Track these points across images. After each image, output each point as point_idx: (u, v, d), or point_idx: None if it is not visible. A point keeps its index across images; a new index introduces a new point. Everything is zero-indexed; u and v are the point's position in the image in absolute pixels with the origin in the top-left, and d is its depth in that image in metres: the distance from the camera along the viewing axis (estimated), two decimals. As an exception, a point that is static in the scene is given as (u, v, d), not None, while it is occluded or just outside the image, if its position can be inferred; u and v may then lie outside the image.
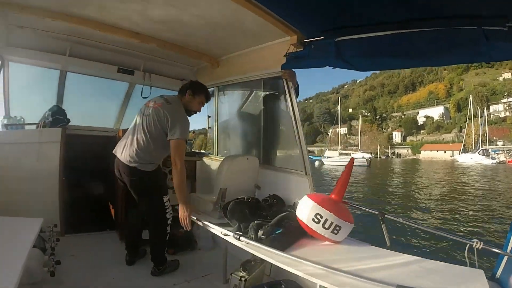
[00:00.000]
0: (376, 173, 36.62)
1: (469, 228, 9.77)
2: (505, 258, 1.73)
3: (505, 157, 63.97)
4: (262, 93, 3.48)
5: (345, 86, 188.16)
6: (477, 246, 1.74)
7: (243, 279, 2.46)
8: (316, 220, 2.00)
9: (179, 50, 3.40)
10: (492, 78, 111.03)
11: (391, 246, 2.16)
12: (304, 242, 2.11)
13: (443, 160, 68.23)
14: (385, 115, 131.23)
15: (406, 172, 36.73)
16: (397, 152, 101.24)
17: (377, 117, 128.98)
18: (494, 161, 58.64)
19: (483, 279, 1.57)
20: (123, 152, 2.77)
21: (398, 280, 1.45)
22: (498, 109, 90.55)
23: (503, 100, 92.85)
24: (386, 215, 2.30)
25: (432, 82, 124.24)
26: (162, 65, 4.05)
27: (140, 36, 3.08)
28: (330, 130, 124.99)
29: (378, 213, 2.32)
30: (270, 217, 2.32)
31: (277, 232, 2.14)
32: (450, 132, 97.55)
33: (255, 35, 2.97)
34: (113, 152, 2.88)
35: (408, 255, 1.92)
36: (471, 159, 59.94)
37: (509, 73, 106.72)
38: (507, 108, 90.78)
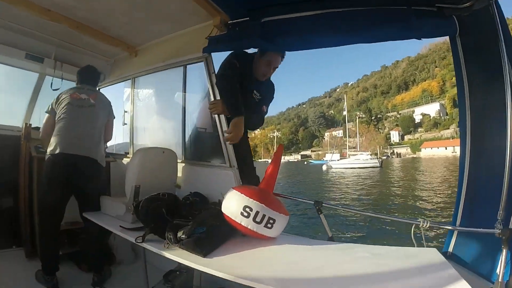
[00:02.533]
0: (395, 174, 33.76)
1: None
2: (455, 233, 1.76)
3: None
4: (183, 83, 3.06)
5: (337, 90, 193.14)
6: (424, 225, 1.69)
7: (166, 292, 2.11)
8: (246, 213, 1.69)
9: (94, 35, 3.04)
10: None
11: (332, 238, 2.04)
12: (234, 242, 1.80)
13: (445, 157, 67.46)
14: (381, 116, 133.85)
15: (428, 170, 35.44)
16: (397, 152, 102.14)
17: (373, 118, 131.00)
18: None
19: (439, 255, 1.50)
20: (79, 145, 2.57)
21: (350, 274, 1.34)
22: None
23: None
24: (323, 204, 2.10)
25: (425, 80, 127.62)
26: (76, 54, 3.59)
27: (51, 13, 2.68)
28: (326, 134, 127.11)
29: (314, 203, 2.11)
30: (191, 216, 1.92)
31: (201, 231, 1.75)
32: (448, 128, 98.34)
33: (177, 19, 2.76)
34: (49, 150, 2.55)
35: (354, 244, 1.77)
36: None
37: None
38: None
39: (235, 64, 2.29)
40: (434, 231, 6.27)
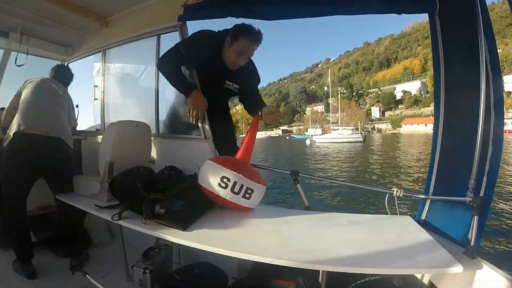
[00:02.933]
0: (378, 149, 34.47)
1: None
2: (428, 201, 1.83)
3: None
4: (156, 54, 2.89)
5: (319, 65, 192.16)
6: (397, 194, 1.78)
7: (147, 271, 2.03)
8: (223, 184, 1.68)
9: (63, 5, 2.84)
10: None
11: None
12: (213, 215, 1.79)
13: (425, 133, 68.35)
14: (362, 92, 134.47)
15: (408, 144, 36.06)
16: (377, 127, 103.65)
17: (354, 93, 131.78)
18: None
19: (413, 222, 1.65)
20: (46, 125, 2.46)
21: (329, 239, 1.41)
22: None
23: None
24: (300, 174, 2.14)
25: (407, 58, 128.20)
26: (43, 27, 3.36)
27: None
28: (308, 109, 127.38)
29: (290, 173, 2.12)
30: (168, 190, 1.87)
31: (179, 205, 1.73)
32: (428, 106, 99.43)
33: None
34: (10, 131, 2.38)
35: (331, 213, 1.83)
36: None
37: None
38: None
39: (180, 51, 2.16)
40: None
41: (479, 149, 1.46)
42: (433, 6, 1.77)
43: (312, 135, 52.55)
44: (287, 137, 78.12)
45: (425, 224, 1.81)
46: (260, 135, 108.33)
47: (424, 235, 1.44)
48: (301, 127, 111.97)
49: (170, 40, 2.64)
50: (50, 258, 2.65)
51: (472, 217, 1.47)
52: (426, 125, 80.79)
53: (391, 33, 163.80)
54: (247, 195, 1.70)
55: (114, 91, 3.44)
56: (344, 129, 55.28)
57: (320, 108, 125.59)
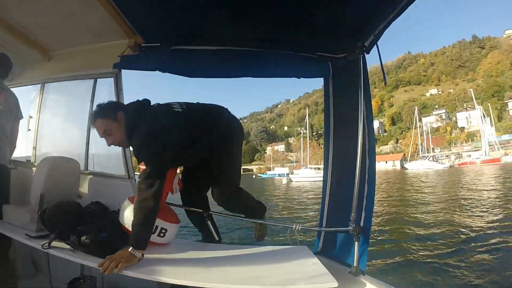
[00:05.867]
0: None
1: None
2: (323, 233, 2.15)
3: (452, 161, 67.88)
4: (92, 95, 3.11)
5: (279, 105, 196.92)
6: (297, 228, 2.02)
7: (72, 301, 2.06)
8: None
9: (10, 30, 2.86)
10: (420, 94, 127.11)
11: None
12: None
13: (385, 170, 69.53)
14: (321, 132, 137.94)
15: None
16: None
17: (314, 133, 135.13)
18: (445, 166, 60.10)
19: (310, 252, 1.91)
20: None
21: (234, 269, 1.65)
22: (430, 120, 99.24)
23: (434, 112, 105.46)
24: (210, 212, 2.33)
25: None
26: None
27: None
28: (268, 148, 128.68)
29: (202, 211, 2.28)
30: (93, 223, 2.01)
31: (102, 236, 1.86)
32: (387, 144, 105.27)
33: (95, 33, 2.78)
34: None
35: (238, 245, 2.13)
36: (422, 166, 59.85)
37: (435, 89, 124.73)
38: (438, 119, 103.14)
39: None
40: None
41: (357, 187, 1.79)
42: (327, 73, 2.19)
43: (288, 174, 52.08)
44: (253, 176, 77.37)
45: (322, 252, 2.12)
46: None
47: (314, 261, 1.72)
48: (261, 166, 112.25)
49: (106, 84, 2.87)
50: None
51: (354, 243, 1.76)
52: (386, 162, 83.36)
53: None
54: (162, 234, 1.90)
55: (49, 124, 3.49)
56: (311, 168, 55.49)
57: (280, 147, 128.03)
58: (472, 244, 6.44)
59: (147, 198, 1.64)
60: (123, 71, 2.71)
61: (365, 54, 1.90)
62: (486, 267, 5.09)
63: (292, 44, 2.17)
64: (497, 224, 8.14)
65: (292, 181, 41.08)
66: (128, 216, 1.85)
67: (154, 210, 1.67)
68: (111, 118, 1.82)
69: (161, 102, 2.05)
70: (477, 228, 7.79)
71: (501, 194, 15.39)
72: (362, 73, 1.86)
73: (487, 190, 16.97)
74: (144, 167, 1.71)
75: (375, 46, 1.88)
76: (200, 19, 2.07)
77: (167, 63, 2.42)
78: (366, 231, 1.81)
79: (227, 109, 2.15)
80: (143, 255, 1.61)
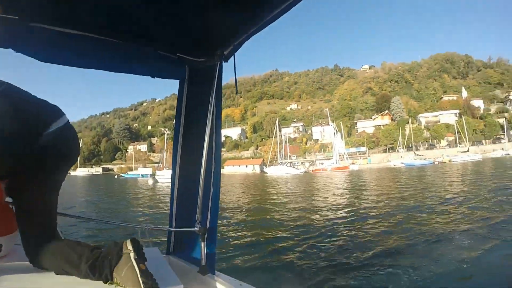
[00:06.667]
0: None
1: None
2: (172, 232, 2.18)
3: (307, 168, 78.31)
4: None
5: (144, 104, 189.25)
6: (147, 229, 2.10)
7: None
8: None
9: None
10: (281, 107, 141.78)
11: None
12: None
13: (245, 174, 74.90)
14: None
15: (229, 183, 38.21)
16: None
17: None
18: (301, 171, 68.58)
19: (159, 254, 1.89)
20: None
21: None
22: (289, 131, 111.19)
23: (292, 125, 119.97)
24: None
25: (229, 107, 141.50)
26: None
27: None
28: (130, 147, 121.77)
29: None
30: None
31: None
32: (247, 150, 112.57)
33: None
34: None
35: None
36: (280, 171, 65.09)
37: (295, 104, 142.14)
38: (296, 130, 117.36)
39: None
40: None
41: (202, 189, 1.86)
42: (183, 75, 2.20)
43: (151, 175, 50.42)
44: (116, 176, 71.79)
45: (175, 252, 2.15)
46: (82, 172, 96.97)
47: (163, 263, 1.71)
48: (122, 166, 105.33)
49: None
50: None
51: (201, 243, 1.81)
52: (246, 166, 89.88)
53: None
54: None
55: None
56: (169, 169, 54.55)
57: (143, 147, 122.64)
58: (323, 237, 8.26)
59: None
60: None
61: (222, 62, 1.97)
62: (332, 251, 6.84)
63: (155, 40, 2.02)
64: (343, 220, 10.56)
65: (158, 182, 41.06)
66: None
67: None
68: None
69: None
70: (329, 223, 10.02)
71: (348, 195, 19.35)
72: (216, 80, 1.94)
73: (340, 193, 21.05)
74: None
75: (233, 56, 1.96)
76: None
77: (23, 41, 1.95)
78: (212, 230, 1.88)
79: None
80: None
